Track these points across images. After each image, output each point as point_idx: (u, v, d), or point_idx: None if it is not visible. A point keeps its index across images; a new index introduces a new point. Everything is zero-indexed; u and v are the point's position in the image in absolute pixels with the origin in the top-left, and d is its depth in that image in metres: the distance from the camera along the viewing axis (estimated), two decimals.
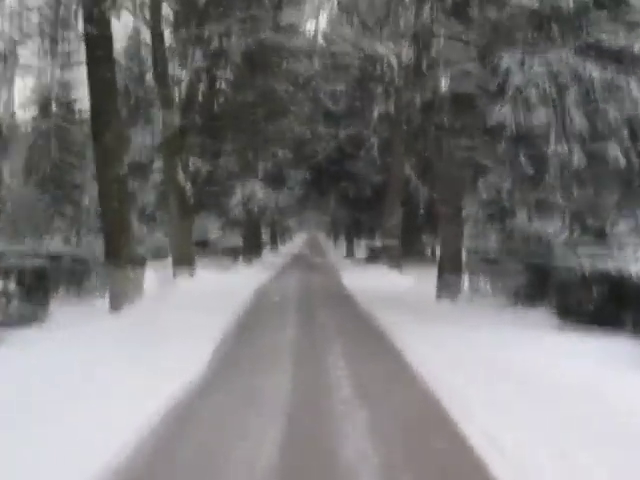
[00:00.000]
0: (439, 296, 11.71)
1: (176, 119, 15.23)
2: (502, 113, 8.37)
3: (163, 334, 7.21)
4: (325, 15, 25.04)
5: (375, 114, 24.43)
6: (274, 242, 38.82)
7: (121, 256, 9.27)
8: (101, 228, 9.74)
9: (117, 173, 9.35)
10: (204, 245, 30.28)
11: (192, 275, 16.09)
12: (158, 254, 21.87)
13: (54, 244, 16.89)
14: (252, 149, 23.12)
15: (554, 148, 8.17)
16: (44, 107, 23.06)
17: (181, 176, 15.56)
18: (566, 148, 8.27)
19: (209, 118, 21.70)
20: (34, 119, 23.75)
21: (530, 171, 8.35)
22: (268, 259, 27.19)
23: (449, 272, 11.75)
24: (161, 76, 15.01)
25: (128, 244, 9.50)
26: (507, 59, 8.64)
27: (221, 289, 13.34)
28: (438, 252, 26.09)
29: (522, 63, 8.57)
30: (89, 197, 27.86)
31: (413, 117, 22.96)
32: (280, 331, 8.17)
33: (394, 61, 20.99)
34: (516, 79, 8.45)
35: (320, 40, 25.23)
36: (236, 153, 22.41)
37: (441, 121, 10.37)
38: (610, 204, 18.88)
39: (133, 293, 9.41)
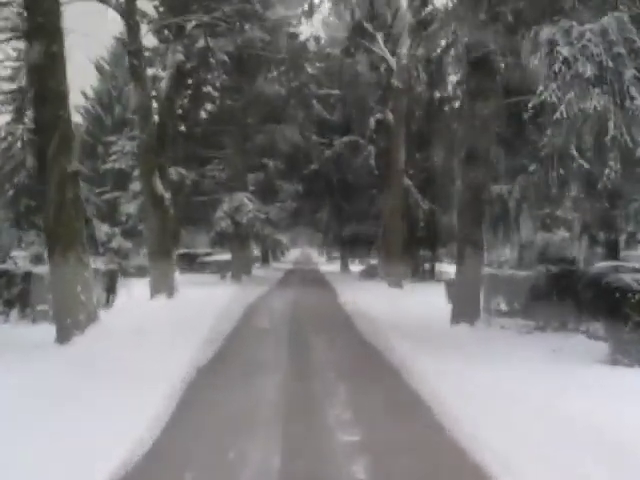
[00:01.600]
0: (455, 320, 9.74)
1: (154, 118, 13.39)
2: (548, 92, 6.54)
3: (107, 384, 5.11)
4: (319, 18, 23.46)
5: (372, 121, 22.77)
6: (265, 258, 36.75)
7: (68, 270, 7.24)
8: (44, 234, 7.63)
9: (65, 167, 7.38)
10: (192, 260, 28.29)
11: (172, 294, 14.06)
12: (143, 271, 20.00)
13: (15, 260, 14.79)
14: (241, 158, 21.29)
15: (615, 135, 6.34)
16: (19, 111, 21.03)
17: (159, 183, 13.61)
18: (627, 136, 6.45)
19: (195, 124, 19.93)
20: (8, 124, 21.68)
21: (585, 164, 6.50)
22: (259, 275, 25.14)
23: (466, 293, 9.81)
24: (137, 68, 13.12)
25: (77, 254, 7.41)
26: (550, 28, 6.86)
27: (202, 311, 11.31)
28: (439, 268, 24.45)
29: (569, 32, 6.79)
30: None
31: (415, 121, 21.39)
32: (266, 374, 6.16)
33: (393, 62, 19.35)
34: (564, 51, 6.66)
35: (313, 43, 23.60)
36: (224, 162, 20.58)
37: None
38: (629, 214, 17.08)
39: (86, 318, 7.37)
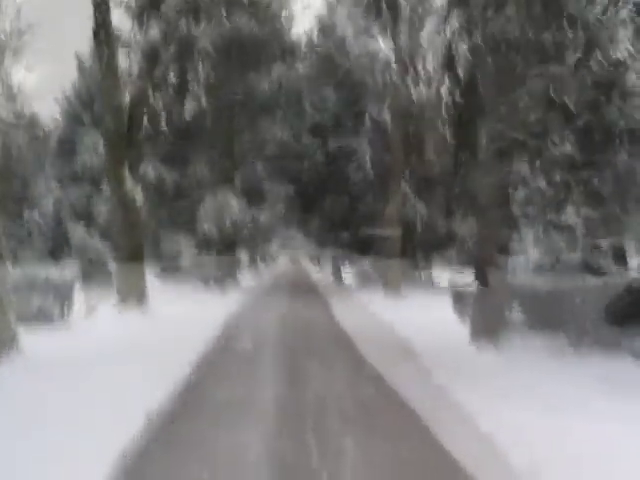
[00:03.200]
0: (476, 339, 8.00)
1: (124, 104, 11.58)
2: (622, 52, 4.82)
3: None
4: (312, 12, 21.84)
5: (367, 121, 21.06)
6: (253, 265, 34.81)
7: None
8: None
9: None
10: (175, 268, 26.33)
11: (142, 309, 12.16)
12: None
13: None
14: (228, 157, 19.48)
15: None
16: None
17: (128, 179, 11.75)
18: None
19: (178, 120, 18.10)
20: None
21: None
22: (246, 284, 23.24)
23: (489, 307, 8.06)
24: (103, 44, 11.29)
25: None
26: None
27: (171, 330, 9.46)
28: (436, 279, 22.70)
29: None
30: (40, 212, 23.92)
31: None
32: (246, 429, 4.35)
33: (391, 54, 17.66)
34: None
35: (306, 38, 21.93)
36: (209, 161, 18.75)
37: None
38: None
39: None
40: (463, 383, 5.74)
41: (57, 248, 25.48)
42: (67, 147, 27.34)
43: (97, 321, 9.38)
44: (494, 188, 7.80)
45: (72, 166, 26.11)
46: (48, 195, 24.58)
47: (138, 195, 11.95)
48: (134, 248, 12.13)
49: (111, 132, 11.55)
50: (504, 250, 8.01)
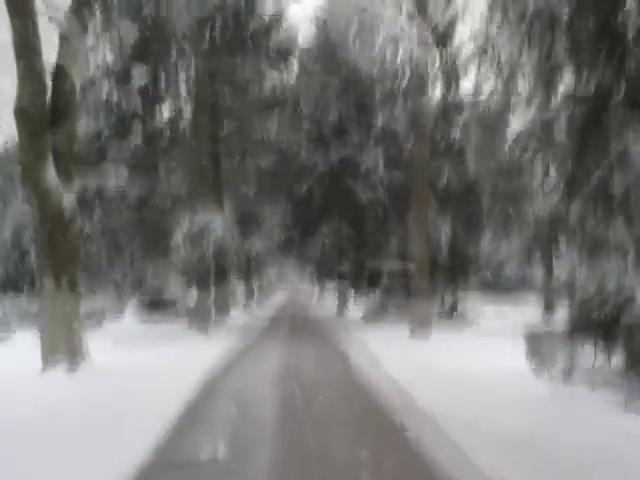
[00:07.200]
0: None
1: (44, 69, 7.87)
2: None
3: None
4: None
5: (380, 121, 17.50)
6: (247, 298, 30.54)
7: None
8: None
9: None
10: (161, 305, 22.31)
11: (76, 363, 8.14)
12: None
13: None
14: (213, 168, 15.75)
15: None
16: None
17: (54, 179, 7.92)
18: None
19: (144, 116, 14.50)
20: None
21: None
22: (236, 322, 19.14)
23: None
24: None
25: None
26: None
27: (91, 418, 5.50)
28: (471, 315, 18.45)
29: None
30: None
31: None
32: None
33: (412, 33, 14.07)
34: None
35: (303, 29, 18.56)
36: (186, 169, 14.98)
37: None
38: None
39: None
40: None
41: (18, 279, 21.72)
42: None
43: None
44: None
45: None
46: (9, 219, 20.97)
47: (68, 204, 8.08)
48: (65, 276, 8.18)
49: (25, 109, 7.76)
50: None
